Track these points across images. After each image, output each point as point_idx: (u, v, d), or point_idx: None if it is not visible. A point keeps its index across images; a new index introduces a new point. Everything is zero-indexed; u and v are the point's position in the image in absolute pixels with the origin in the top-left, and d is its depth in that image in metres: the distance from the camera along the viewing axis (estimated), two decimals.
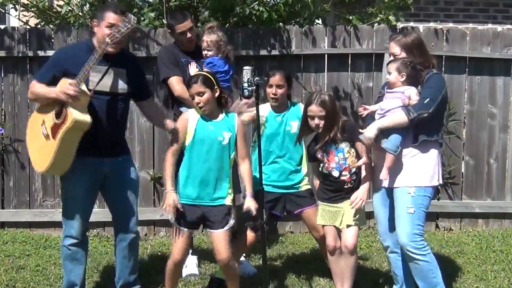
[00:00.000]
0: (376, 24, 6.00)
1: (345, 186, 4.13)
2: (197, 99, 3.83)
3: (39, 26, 6.19)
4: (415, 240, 3.86)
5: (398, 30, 5.86)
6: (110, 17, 3.84)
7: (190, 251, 4.90)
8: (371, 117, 4.06)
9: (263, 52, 5.73)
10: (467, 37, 5.96)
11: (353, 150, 4.10)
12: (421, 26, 6.34)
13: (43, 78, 3.90)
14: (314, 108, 4.04)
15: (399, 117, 3.82)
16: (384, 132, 3.87)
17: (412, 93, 3.88)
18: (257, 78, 3.63)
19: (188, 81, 3.92)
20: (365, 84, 5.92)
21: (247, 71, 3.64)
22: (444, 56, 5.88)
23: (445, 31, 6.00)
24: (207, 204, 3.88)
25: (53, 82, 3.82)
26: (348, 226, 4.12)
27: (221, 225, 3.85)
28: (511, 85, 6.04)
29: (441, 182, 4.05)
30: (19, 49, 5.63)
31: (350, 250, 4.14)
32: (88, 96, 3.76)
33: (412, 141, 3.90)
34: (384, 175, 3.94)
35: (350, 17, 5.89)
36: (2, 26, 5.82)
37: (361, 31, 5.86)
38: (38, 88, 3.88)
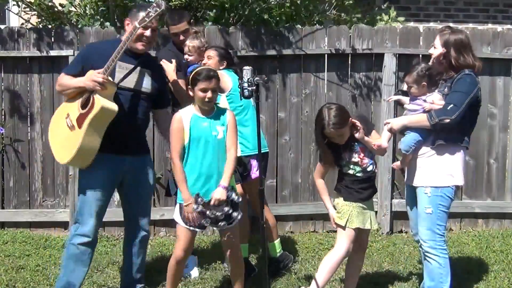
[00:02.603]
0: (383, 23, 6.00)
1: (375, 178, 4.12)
2: (209, 94, 3.78)
3: (40, 25, 6.18)
4: (433, 239, 3.92)
5: (397, 30, 5.86)
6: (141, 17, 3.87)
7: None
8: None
9: (263, 52, 5.72)
10: None
11: None
12: (421, 26, 6.32)
13: (71, 70, 4.00)
14: (331, 132, 3.85)
15: (422, 120, 3.87)
16: (406, 130, 3.97)
17: (435, 99, 3.91)
18: (257, 78, 3.63)
19: (207, 73, 3.80)
20: (365, 84, 5.92)
21: (247, 71, 3.63)
22: None
23: None
24: None
25: (80, 75, 3.90)
26: (369, 229, 4.08)
27: (228, 221, 3.85)
28: (511, 85, 6.04)
29: (462, 183, 4.05)
30: (19, 49, 5.62)
31: (364, 251, 4.20)
32: (115, 87, 3.82)
33: (431, 143, 3.93)
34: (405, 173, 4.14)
35: (347, 18, 5.87)
36: (3, 26, 5.82)
37: (361, 31, 5.86)
38: (65, 79, 3.97)
